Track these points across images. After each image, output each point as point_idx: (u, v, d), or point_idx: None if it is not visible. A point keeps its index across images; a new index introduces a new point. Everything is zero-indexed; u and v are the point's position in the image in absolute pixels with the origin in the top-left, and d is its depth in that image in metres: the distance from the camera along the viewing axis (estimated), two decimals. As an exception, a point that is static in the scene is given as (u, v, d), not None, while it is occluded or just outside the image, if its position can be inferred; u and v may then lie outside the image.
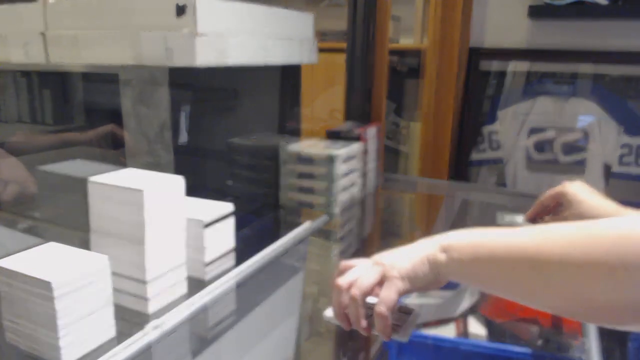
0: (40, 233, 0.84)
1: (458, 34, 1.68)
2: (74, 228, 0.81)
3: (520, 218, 1.07)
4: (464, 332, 0.84)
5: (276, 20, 0.92)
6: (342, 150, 1.00)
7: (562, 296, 0.42)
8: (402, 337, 0.59)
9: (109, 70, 0.83)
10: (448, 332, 0.84)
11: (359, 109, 1.34)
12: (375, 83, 1.35)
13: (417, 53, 1.91)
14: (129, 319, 0.60)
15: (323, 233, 0.99)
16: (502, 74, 1.80)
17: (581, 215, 0.66)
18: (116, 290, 0.59)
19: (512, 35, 1.75)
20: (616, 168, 1.63)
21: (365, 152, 1.16)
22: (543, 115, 1.72)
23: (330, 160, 0.97)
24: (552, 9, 1.59)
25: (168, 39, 0.73)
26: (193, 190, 0.67)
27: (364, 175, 1.17)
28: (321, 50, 1.12)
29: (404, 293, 0.52)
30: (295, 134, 1.17)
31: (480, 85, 1.82)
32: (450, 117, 1.74)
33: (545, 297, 0.44)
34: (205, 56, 0.74)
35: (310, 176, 0.99)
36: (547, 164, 1.73)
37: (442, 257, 0.51)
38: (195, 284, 0.68)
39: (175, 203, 0.62)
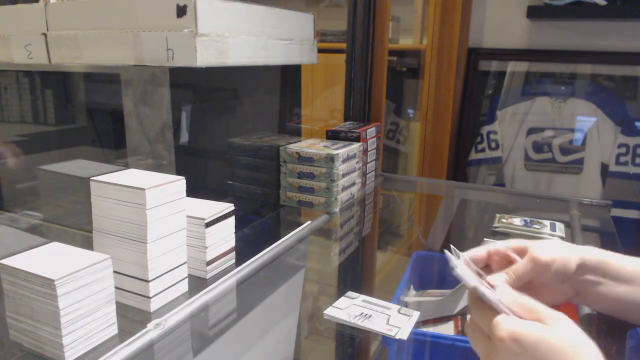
0: (43, 233, 0.84)
1: (457, 34, 1.68)
2: (77, 228, 0.82)
3: (518, 220, 1.08)
4: (462, 330, 0.84)
5: (276, 21, 0.93)
6: (342, 150, 1.00)
7: None
8: (401, 336, 0.60)
9: (110, 71, 0.84)
10: (447, 330, 0.85)
11: (359, 109, 1.35)
12: (375, 83, 1.36)
13: (416, 53, 1.92)
14: (131, 317, 0.60)
15: (323, 232, 0.99)
16: (501, 74, 1.81)
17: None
18: (118, 289, 0.60)
19: (511, 35, 1.76)
20: (613, 167, 1.64)
21: (364, 151, 1.16)
22: (541, 115, 1.73)
23: (330, 160, 0.97)
24: (551, 9, 1.60)
25: (169, 40, 0.74)
26: (194, 190, 0.67)
27: (363, 175, 1.18)
28: (321, 50, 1.12)
29: None
30: (295, 134, 1.18)
31: (479, 86, 1.83)
32: (449, 117, 1.75)
33: None
34: (206, 56, 0.74)
35: (310, 176, 1.00)
36: (545, 164, 1.74)
37: None
38: (197, 283, 0.68)
39: (177, 202, 0.63)
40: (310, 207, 1.01)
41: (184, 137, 0.86)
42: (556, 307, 0.87)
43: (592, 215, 1.15)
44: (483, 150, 1.81)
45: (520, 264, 0.56)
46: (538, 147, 1.74)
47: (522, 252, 0.58)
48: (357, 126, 1.18)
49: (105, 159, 0.91)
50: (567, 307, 0.86)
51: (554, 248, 0.58)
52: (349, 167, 1.05)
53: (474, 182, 1.84)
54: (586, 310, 0.69)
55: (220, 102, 0.99)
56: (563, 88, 1.72)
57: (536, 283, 0.58)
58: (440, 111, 1.75)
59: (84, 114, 0.94)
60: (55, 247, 0.57)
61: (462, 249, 0.60)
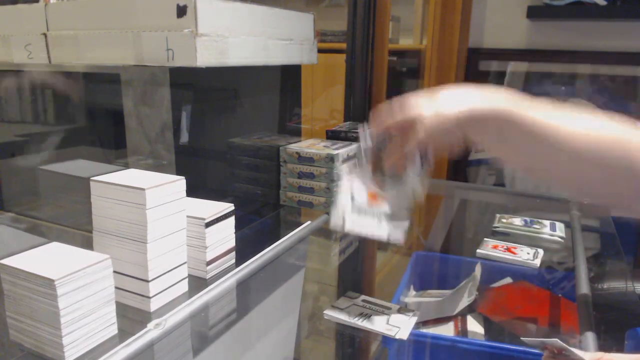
0: (43, 233, 0.84)
1: (457, 35, 1.68)
2: (77, 228, 0.82)
3: (518, 220, 1.08)
4: (462, 331, 0.84)
5: (276, 21, 0.93)
6: (342, 150, 1.00)
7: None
8: (401, 336, 0.60)
9: (110, 71, 0.84)
10: (447, 330, 0.85)
11: (359, 109, 1.35)
12: (375, 83, 1.36)
13: (416, 53, 1.92)
14: (131, 317, 0.60)
15: (323, 232, 0.99)
16: (501, 74, 1.81)
17: None
18: (118, 289, 0.60)
19: (511, 35, 1.76)
20: (614, 168, 1.64)
21: (364, 152, 1.16)
22: (542, 116, 1.73)
23: (331, 160, 0.97)
24: (551, 9, 1.60)
25: (169, 40, 0.74)
26: (194, 190, 0.67)
27: (363, 175, 1.18)
28: (321, 50, 1.12)
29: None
30: (295, 134, 1.18)
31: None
32: (450, 117, 1.74)
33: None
34: (206, 56, 0.74)
35: (310, 176, 1.00)
36: (545, 164, 1.74)
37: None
38: (196, 283, 0.68)
39: (177, 202, 0.63)
40: (310, 207, 1.01)
41: (184, 137, 0.86)
42: (558, 305, 0.87)
43: (592, 215, 1.15)
44: (483, 150, 1.81)
45: (408, 145, 0.59)
46: (538, 147, 1.74)
47: (411, 125, 0.59)
48: (357, 126, 1.18)
49: (105, 159, 0.91)
50: (567, 308, 0.86)
51: (436, 118, 0.57)
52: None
53: (474, 182, 1.84)
54: (586, 311, 0.69)
55: (220, 102, 0.99)
56: (563, 88, 1.72)
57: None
58: (440, 111, 1.75)
59: (84, 114, 0.94)
60: (55, 247, 0.57)
61: (462, 250, 0.62)
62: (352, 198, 0.63)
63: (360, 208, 0.63)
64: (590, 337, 0.63)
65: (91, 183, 0.61)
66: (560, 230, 1.03)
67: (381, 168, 0.63)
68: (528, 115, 0.54)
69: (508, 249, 0.94)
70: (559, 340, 0.49)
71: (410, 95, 0.61)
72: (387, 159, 0.62)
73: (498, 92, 0.56)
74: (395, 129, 0.61)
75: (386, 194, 0.63)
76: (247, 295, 0.72)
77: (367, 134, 0.64)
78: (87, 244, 0.61)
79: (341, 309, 0.72)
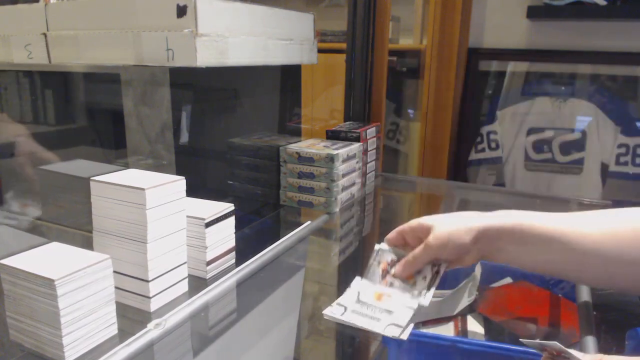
0: (43, 233, 0.84)
1: (457, 34, 1.68)
2: (77, 228, 0.82)
3: None
4: (462, 331, 0.84)
5: (276, 21, 0.93)
6: (342, 150, 1.00)
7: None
8: (401, 336, 0.60)
9: (110, 71, 0.84)
10: (447, 330, 0.85)
11: (359, 109, 1.35)
12: (375, 83, 1.36)
13: (416, 53, 1.92)
14: (131, 317, 0.60)
15: (323, 232, 0.99)
16: (501, 74, 1.81)
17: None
18: (118, 289, 0.60)
19: (511, 35, 1.76)
20: (613, 167, 1.64)
21: (364, 152, 1.16)
22: (541, 116, 1.73)
23: (330, 160, 0.97)
24: (551, 9, 1.60)
25: (169, 40, 0.74)
26: (194, 189, 0.67)
27: (363, 175, 1.18)
28: (321, 50, 1.12)
29: None
30: (295, 134, 1.18)
31: (479, 86, 1.83)
32: (450, 117, 1.75)
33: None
34: (206, 56, 0.74)
35: (310, 176, 1.00)
36: (545, 164, 1.74)
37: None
38: (197, 283, 0.69)
39: (177, 202, 0.63)
40: (310, 207, 1.01)
41: (184, 137, 0.86)
42: (558, 305, 0.87)
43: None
44: (483, 150, 1.81)
45: (418, 249, 0.62)
46: (538, 147, 1.74)
47: (425, 231, 0.62)
48: (357, 126, 1.18)
49: (105, 159, 0.91)
50: (567, 308, 0.86)
51: (449, 227, 0.60)
52: (349, 167, 1.05)
53: (474, 182, 1.84)
54: (586, 311, 0.69)
55: (220, 102, 0.99)
56: (563, 88, 1.72)
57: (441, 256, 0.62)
58: (440, 111, 1.75)
59: (84, 114, 0.94)
60: (55, 247, 0.57)
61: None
62: (358, 294, 0.65)
63: (363, 303, 0.64)
64: (590, 337, 0.63)
65: (91, 183, 0.61)
66: (560, 230, 1.03)
67: (392, 274, 0.66)
68: (542, 222, 0.57)
69: (508, 249, 0.94)
70: (557, 343, 0.49)
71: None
72: (399, 266, 0.65)
73: (506, 211, 0.60)
74: (410, 238, 0.65)
75: (392, 294, 0.65)
76: (247, 295, 0.72)
77: (382, 245, 0.68)
78: (87, 244, 0.61)
79: (341, 309, 0.72)
